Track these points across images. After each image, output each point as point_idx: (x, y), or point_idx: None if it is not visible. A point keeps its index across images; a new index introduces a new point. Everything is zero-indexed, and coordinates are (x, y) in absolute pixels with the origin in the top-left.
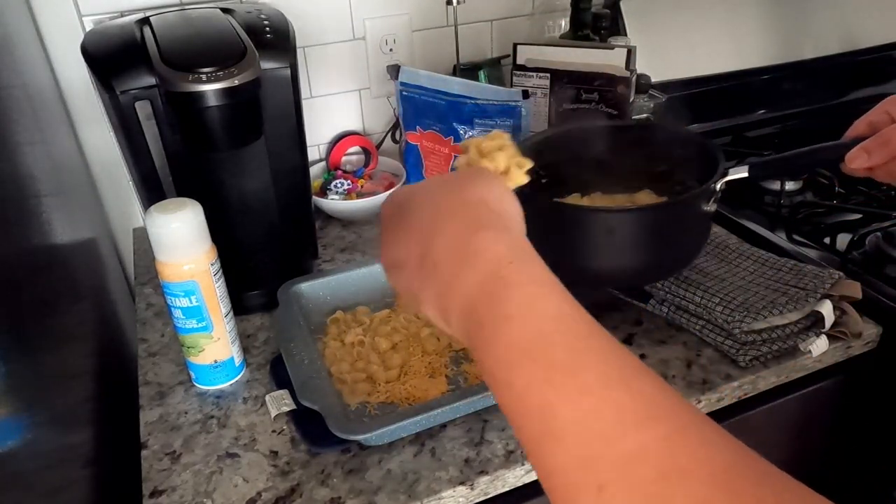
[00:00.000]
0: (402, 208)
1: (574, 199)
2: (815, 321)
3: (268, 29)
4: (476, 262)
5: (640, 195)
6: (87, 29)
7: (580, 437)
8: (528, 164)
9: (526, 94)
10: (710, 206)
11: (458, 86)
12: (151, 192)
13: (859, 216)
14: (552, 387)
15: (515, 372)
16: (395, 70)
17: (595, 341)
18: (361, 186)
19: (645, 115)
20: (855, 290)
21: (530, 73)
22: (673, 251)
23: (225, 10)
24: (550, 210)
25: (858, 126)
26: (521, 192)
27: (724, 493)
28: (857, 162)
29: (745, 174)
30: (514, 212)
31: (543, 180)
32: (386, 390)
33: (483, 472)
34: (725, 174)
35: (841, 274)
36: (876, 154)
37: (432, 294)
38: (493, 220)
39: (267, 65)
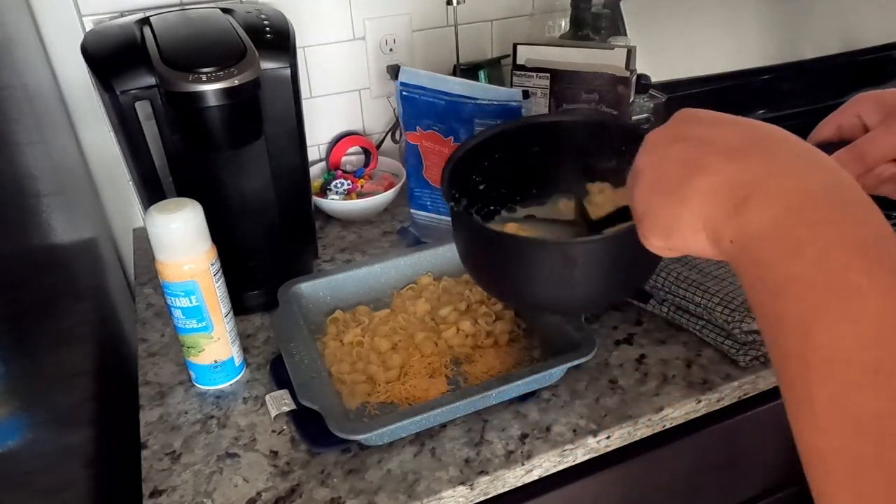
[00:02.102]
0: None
1: (511, 226)
2: None
3: (268, 29)
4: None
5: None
6: (87, 29)
7: None
8: None
9: (526, 94)
10: None
11: (458, 86)
12: (151, 192)
13: None
14: None
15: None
16: (395, 70)
17: None
18: (361, 186)
19: (645, 115)
20: None
21: (530, 73)
22: (633, 273)
23: (225, 10)
24: (495, 239)
25: (824, 129)
26: (459, 212)
27: None
28: None
29: None
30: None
31: (481, 186)
32: (386, 390)
33: (483, 472)
34: None
35: None
36: (850, 168)
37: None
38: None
39: (267, 65)
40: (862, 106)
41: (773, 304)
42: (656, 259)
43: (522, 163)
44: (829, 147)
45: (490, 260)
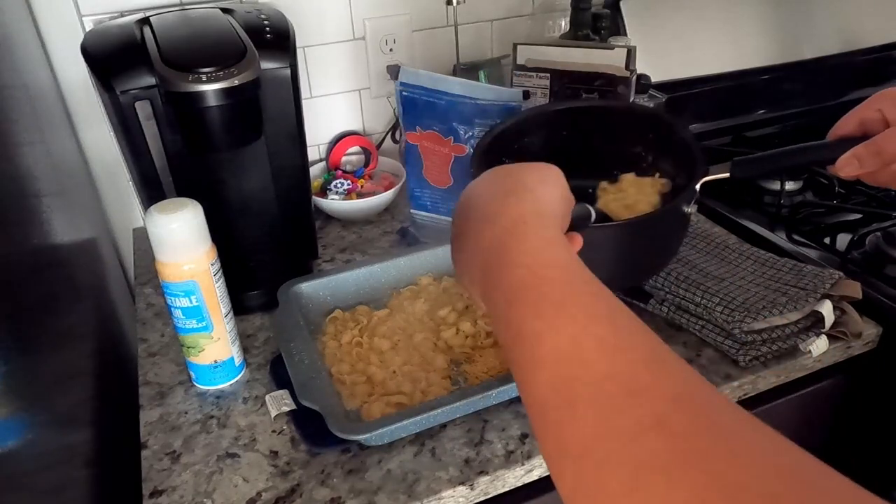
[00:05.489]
0: (465, 201)
1: None
2: (815, 321)
3: (268, 29)
4: (497, 220)
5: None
6: (87, 29)
7: (560, 361)
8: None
9: (526, 95)
10: (691, 208)
11: (458, 86)
12: (151, 192)
13: (859, 216)
14: (541, 319)
15: (514, 308)
16: (395, 70)
17: (590, 287)
18: (361, 186)
19: None
20: (855, 290)
21: (530, 73)
22: (652, 257)
23: (225, 10)
24: None
25: (847, 123)
26: None
27: (681, 413)
28: (847, 169)
29: (727, 174)
30: (550, 191)
31: None
32: (385, 391)
33: (483, 472)
34: (706, 174)
35: (841, 274)
36: (868, 163)
37: (465, 258)
38: (521, 189)
39: (267, 65)
40: (884, 101)
41: (496, 292)
42: (670, 249)
43: (552, 147)
44: (850, 142)
45: None
